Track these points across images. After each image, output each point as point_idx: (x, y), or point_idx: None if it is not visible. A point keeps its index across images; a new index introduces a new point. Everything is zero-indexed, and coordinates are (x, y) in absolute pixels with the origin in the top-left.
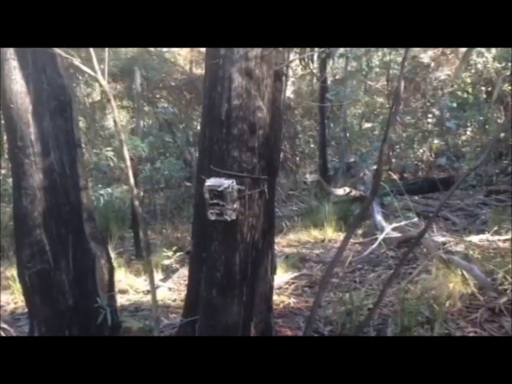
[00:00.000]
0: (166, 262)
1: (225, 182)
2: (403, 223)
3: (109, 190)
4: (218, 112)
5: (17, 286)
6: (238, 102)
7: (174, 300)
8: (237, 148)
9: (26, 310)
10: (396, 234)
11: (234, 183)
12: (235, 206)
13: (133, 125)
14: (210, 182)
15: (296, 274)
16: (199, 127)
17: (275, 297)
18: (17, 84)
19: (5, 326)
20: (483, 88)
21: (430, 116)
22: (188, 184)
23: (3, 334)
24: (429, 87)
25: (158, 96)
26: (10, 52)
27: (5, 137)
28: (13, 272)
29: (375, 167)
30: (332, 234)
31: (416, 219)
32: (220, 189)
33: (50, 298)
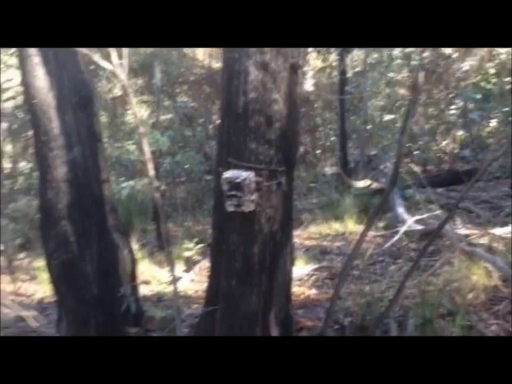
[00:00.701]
0: (188, 254)
1: (243, 174)
2: (425, 215)
3: (131, 183)
4: (235, 105)
5: (44, 276)
6: (255, 95)
7: (196, 291)
8: (254, 140)
9: (53, 299)
10: (418, 226)
11: (252, 175)
12: (253, 197)
13: (154, 119)
14: (228, 174)
15: (316, 266)
16: (218, 121)
17: (295, 289)
18: (40, 80)
19: (34, 313)
20: (507, 78)
21: (453, 107)
22: (208, 177)
23: (34, 322)
24: (452, 78)
25: (177, 90)
26: (32, 49)
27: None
28: (40, 262)
29: None
30: (352, 227)
31: (438, 211)
32: (237, 181)
33: (76, 287)
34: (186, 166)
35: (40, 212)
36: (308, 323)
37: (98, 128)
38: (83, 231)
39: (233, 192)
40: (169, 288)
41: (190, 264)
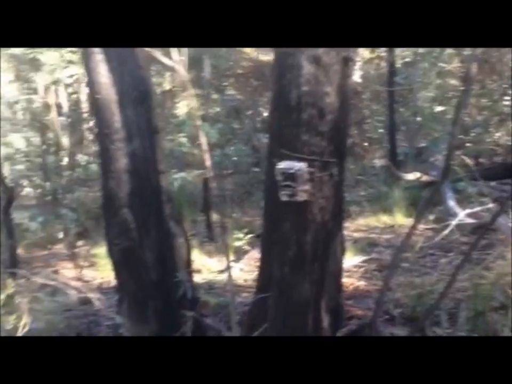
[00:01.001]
0: (237, 244)
1: (296, 165)
2: (478, 208)
3: (183, 174)
4: (288, 98)
5: (102, 263)
6: (307, 88)
7: (245, 280)
8: (307, 132)
9: (111, 284)
10: (470, 220)
11: (305, 166)
12: (306, 187)
13: (203, 112)
14: (282, 165)
15: (365, 258)
16: (265, 114)
17: (344, 280)
18: (103, 76)
19: (98, 295)
20: None
21: (507, 98)
22: (256, 169)
23: (98, 304)
24: (506, 67)
25: (225, 83)
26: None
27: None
28: (98, 250)
29: None
30: (401, 219)
31: (491, 205)
32: (291, 171)
33: (136, 273)
34: (235, 158)
35: (103, 201)
36: (358, 312)
37: (156, 121)
38: (142, 220)
39: (287, 183)
40: (220, 277)
41: (239, 254)
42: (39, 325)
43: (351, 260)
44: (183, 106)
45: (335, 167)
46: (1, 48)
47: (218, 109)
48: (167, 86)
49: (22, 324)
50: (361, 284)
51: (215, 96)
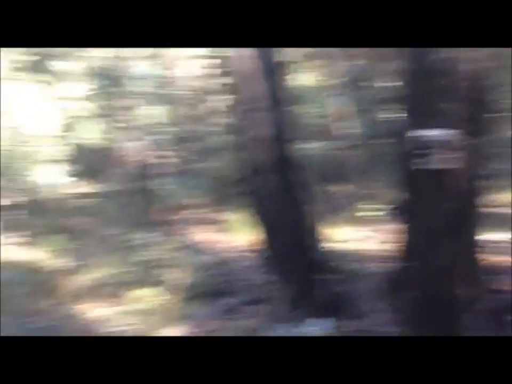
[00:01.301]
0: (366, 214)
1: (434, 133)
2: None
3: (310, 145)
4: (424, 66)
5: (234, 227)
6: (445, 55)
7: (377, 250)
8: (445, 100)
9: (244, 248)
10: None
11: (443, 134)
12: (444, 156)
13: (327, 83)
14: (420, 133)
15: (506, 234)
16: (387, 84)
17: (484, 254)
18: (241, 49)
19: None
20: None
21: None
22: (379, 141)
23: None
24: None
25: (350, 53)
26: None
27: None
28: (232, 216)
29: None
30: None
31: None
32: (429, 140)
33: (272, 237)
34: (359, 131)
35: (242, 167)
36: (503, 287)
37: (289, 93)
38: (279, 185)
39: (424, 151)
40: (351, 246)
41: (369, 224)
42: (189, 280)
43: (489, 235)
44: (304, 79)
45: (474, 136)
46: None
47: (339, 80)
48: (285, 59)
49: (178, 278)
50: (502, 259)
51: (336, 67)
